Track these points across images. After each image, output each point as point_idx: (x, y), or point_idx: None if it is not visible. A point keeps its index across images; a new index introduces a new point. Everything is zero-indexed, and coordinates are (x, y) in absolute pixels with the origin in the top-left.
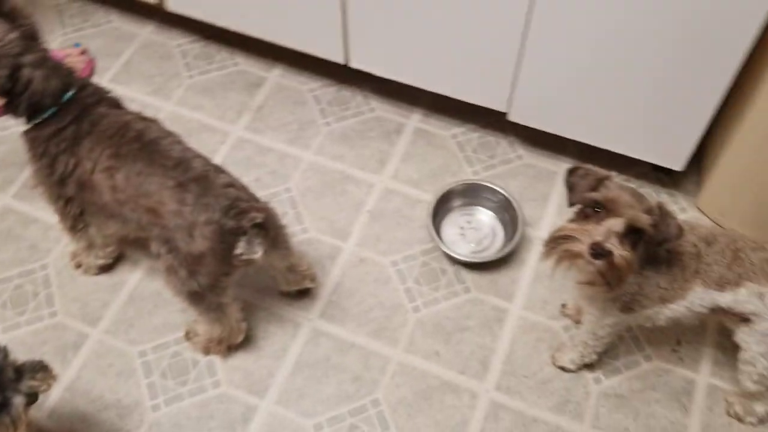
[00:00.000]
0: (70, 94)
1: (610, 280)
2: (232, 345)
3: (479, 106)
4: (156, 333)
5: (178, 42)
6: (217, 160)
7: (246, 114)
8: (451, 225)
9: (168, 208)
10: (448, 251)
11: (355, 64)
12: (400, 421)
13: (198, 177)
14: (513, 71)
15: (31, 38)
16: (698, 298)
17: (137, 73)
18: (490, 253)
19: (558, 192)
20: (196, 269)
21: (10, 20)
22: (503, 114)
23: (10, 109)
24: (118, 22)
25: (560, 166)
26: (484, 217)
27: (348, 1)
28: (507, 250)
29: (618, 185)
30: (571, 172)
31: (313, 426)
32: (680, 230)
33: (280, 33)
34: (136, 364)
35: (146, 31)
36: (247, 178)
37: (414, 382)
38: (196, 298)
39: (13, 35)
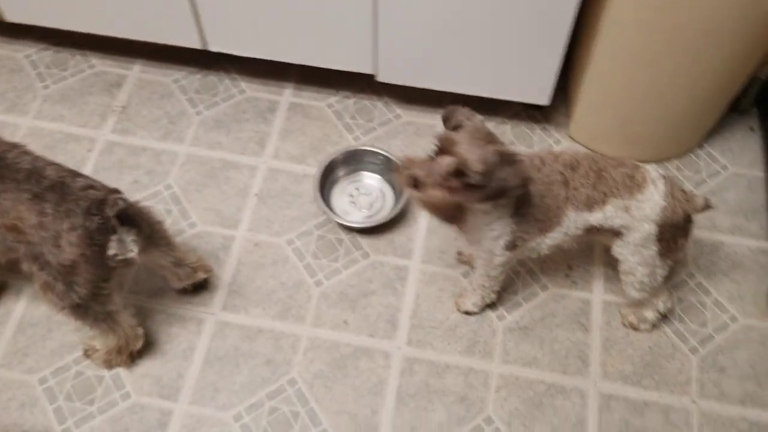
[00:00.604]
0: None
1: (437, 214)
2: (133, 353)
3: (349, 72)
4: (54, 357)
5: (27, 53)
6: (87, 169)
7: (110, 116)
8: (340, 194)
9: (29, 223)
10: (340, 221)
11: (214, 48)
12: (318, 395)
13: (54, 185)
14: (371, 32)
15: None
16: (572, 221)
17: None
18: (382, 216)
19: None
20: (72, 280)
21: None
22: (372, 76)
23: None
24: None
25: (438, 119)
26: (371, 181)
27: None
28: (397, 209)
29: (469, 128)
30: (445, 113)
31: (232, 417)
32: (524, 180)
33: (130, 28)
34: (38, 393)
35: None
36: (122, 182)
37: (327, 354)
38: (80, 311)
39: None
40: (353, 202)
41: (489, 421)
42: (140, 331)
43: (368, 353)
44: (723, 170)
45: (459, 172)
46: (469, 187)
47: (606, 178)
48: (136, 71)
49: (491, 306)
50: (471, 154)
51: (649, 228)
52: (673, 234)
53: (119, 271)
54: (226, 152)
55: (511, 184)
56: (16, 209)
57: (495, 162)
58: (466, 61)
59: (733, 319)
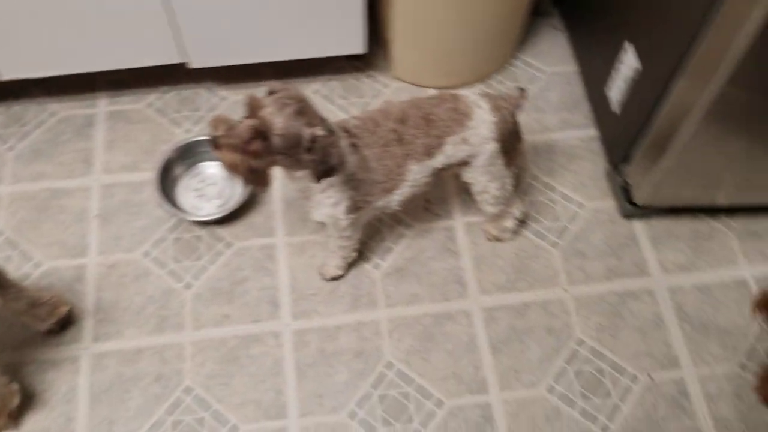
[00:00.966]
0: None
1: (238, 175)
2: (12, 413)
3: (160, 67)
4: None
5: None
6: None
7: None
8: (185, 190)
9: None
10: (192, 218)
11: (7, 75)
12: (218, 394)
13: None
14: (168, 20)
15: None
16: (416, 173)
17: None
18: (234, 201)
19: None
20: None
21: None
22: (185, 65)
23: None
24: None
25: (263, 90)
26: (213, 170)
27: None
28: (248, 191)
29: (281, 93)
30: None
31: None
32: (340, 160)
33: None
34: None
35: None
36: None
37: (216, 353)
38: None
39: None
40: (201, 196)
41: (390, 366)
42: (15, 386)
43: (258, 339)
44: (540, 73)
45: (261, 135)
46: (272, 151)
47: (435, 121)
48: None
49: (364, 258)
50: (274, 117)
51: (491, 147)
52: (511, 141)
53: None
54: (52, 180)
55: (330, 162)
56: None
57: (297, 126)
58: (273, 26)
59: (581, 206)
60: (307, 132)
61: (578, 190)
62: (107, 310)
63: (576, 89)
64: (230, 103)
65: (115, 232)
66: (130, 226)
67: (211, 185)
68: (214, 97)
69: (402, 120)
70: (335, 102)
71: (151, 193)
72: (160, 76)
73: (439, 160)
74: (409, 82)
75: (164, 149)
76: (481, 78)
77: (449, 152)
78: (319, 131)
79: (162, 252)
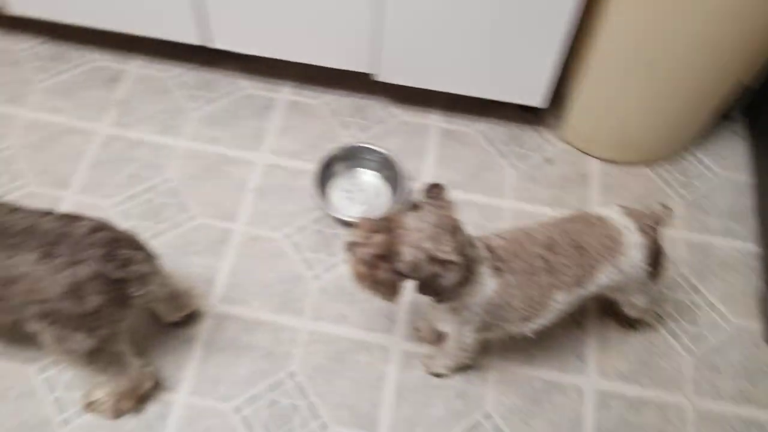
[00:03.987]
0: None
1: (361, 285)
2: (142, 395)
3: (346, 71)
4: None
5: (24, 46)
6: (86, 161)
7: (110, 110)
8: (337, 189)
9: (43, 283)
10: (337, 215)
11: (217, 45)
12: (318, 388)
13: (58, 237)
14: (371, 32)
15: None
16: (562, 303)
17: None
18: (379, 211)
19: (434, 144)
20: (95, 325)
21: None
22: (368, 75)
23: None
24: None
25: (432, 119)
26: (368, 177)
27: None
28: (394, 206)
29: (424, 213)
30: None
31: (232, 409)
32: (457, 285)
33: (131, 23)
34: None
35: None
36: (121, 175)
37: (326, 348)
38: (94, 356)
39: None
40: (350, 198)
41: (488, 416)
42: (150, 368)
43: (368, 348)
44: (711, 174)
45: (388, 257)
46: (397, 273)
47: (586, 249)
48: (135, 66)
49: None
50: (405, 243)
51: (642, 271)
52: (658, 260)
53: (135, 307)
54: (225, 147)
55: (446, 284)
56: (26, 272)
57: (427, 251)
58: (464, 61)
59: (725, 318)
60: (438, 257)
61: (726, 301)
62: (239, 276)
63: (746, 200)
64: (398, 122)
65: (266, 209)
66: (280, 207)
67: (361, 191)
68: (385, 112)
69: (550, 247)
70: (496, 146)
71: (305, 183)
72: (342, 80)
73: (589, 289)
74: (575, 147)
75: (331, 147)
76: (650, 161)
77: (601, 281)
78: (453, 257)
79: (302, 239)
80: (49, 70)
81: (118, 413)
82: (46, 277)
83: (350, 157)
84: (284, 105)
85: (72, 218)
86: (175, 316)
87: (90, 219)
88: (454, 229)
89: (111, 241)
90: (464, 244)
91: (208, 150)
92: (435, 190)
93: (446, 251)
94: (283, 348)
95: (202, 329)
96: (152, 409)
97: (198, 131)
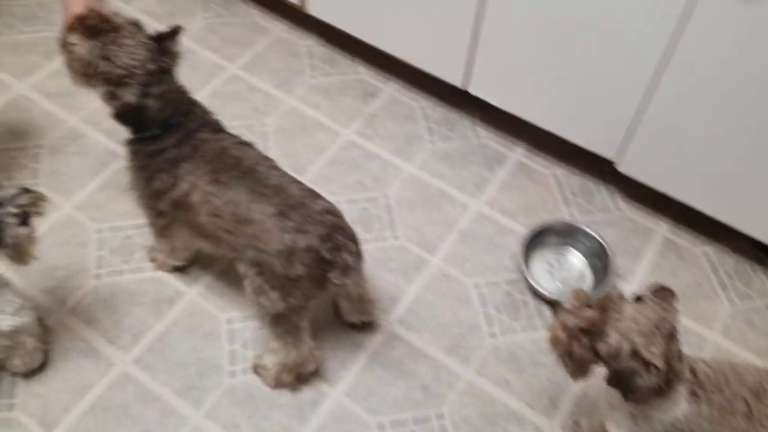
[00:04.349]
0: (174, 119)
1: (555, 352)
2: (303, 374)
3: (588, 152)
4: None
5: (307, 43)
6: (325, 156)
7: (358, 120)
8: (540, 260)
9: (268, 235)
10: (535, 285)
11: (473, 91)
12: None
13: (297, 204)
14: (628, 123)
15: (163, 72)
16: None
17: (266, 65)
18: None
19: (653, 250)
20: (291, 291)
21: (157, 54)
22: (609, 162)
23: (119, 118)
24: (256, 17)
25: (659, 225)
26: (575, 259)
27: (481, 30)
28: (594, 296)
29: (646, 307)
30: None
31: (376, 424)
32: (650, 391)
33: (409, 52)
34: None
35: (280, 29)
36: (350, 178)
37: (481, 405)
38: (279, 320)
39: (150, 66)
40: (550, 272)
41: None
42: (318, 355)
43: (521, 421)
44: None
45: (593, 333)
46: (596, 353)
47: None
48: (392, 88)
49: None
50: (615, 327)
51: None
52: None
53: (329, 292)
54: (446, 184)
55: (640, 384)
56: (259, 220)
57: (628, 351)
58: (715, 178)
59: None
60: (643, 355)
61: None
62: (421, 305)
63: None
64: (622, 216)
65: (465, 253)
66: (479, 256)
67: (564, 270)
68: (611, 202)
69: (757, 394)
70: (719, 275)
71: (510, 242)
72: (578, 157)
73: None
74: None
75: (547, 217)
76: None
77: None
78: (658, 362)
79: (490, 293)
80: (319, 70)
81: (277, 383)
82: (273, 232)
83: (564, 233)
84: (513, 163)
85: (313, 194)
86: (355, 319)
87: (327, 201)
88: (670, 335)
89: (335, 226)
90: (673, 355)
91: (430, 181)
92: (664, 293)
93: (654, 353)
94: (439, 387)
95: (374, 340)
96: (307, 392)
97: (427, 162)
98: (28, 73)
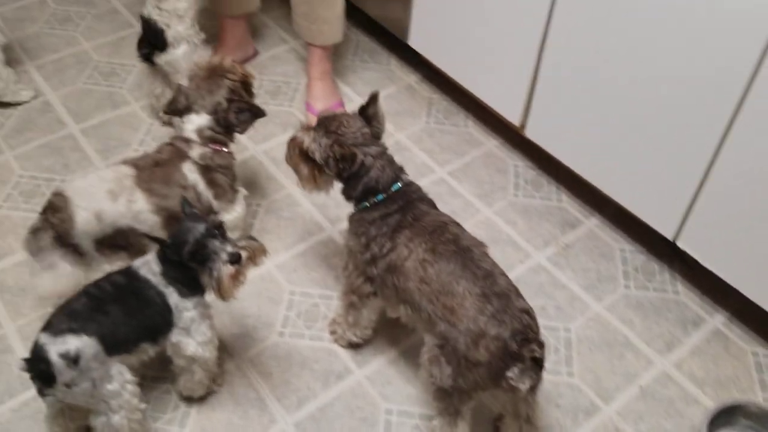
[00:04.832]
0: (398, 185)
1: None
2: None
3: None
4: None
5: (516, 162)
6: (512, 275)
7: (552, 246)
8: None
9: (465, 312)
10: None
11: (682, 245)
12: None
13: (501, 293)
14: None
15: (376, 137)
16: None
17: (472, 175)
18: None
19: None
20: (465, 373)
21: (368, 120)
22: None
23: (346, 191)
24: (472, 129)
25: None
26: None
27: (706, 186)
28: None
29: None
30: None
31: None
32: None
33: (620, 192)
34: None
35: (492, 144)
36: (533, 302)
37: None
38: (443, 395)
39: (365, 130)
40: None
41: None
42: None
43: None
44: None
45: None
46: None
47: None
48: (593, 223)
49: None
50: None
51: None
52: None
53: (498, 391)
54: (633, 333)
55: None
56: (463, 296)
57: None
58: None
59: None
60: None
61: None
62: None
63: None
64: None
65: (642, 412)
66: (656, 419)
67: None
68: None
69: None
70: (763, 374)
71: (692, 412)
72: None
73: None
74: None
75: (740, 397)
76: None
77: None
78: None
79: None
80: (522, 189)
81: None
82: (470, 311)
83: (758, 418)
84: (711, 329)
85: (518, 292)
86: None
87: (527, 304)
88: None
89: (529, 327)
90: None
91: (617, 327)
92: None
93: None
94: None
95: None
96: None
97: (617, 306)
98: (264, 139)
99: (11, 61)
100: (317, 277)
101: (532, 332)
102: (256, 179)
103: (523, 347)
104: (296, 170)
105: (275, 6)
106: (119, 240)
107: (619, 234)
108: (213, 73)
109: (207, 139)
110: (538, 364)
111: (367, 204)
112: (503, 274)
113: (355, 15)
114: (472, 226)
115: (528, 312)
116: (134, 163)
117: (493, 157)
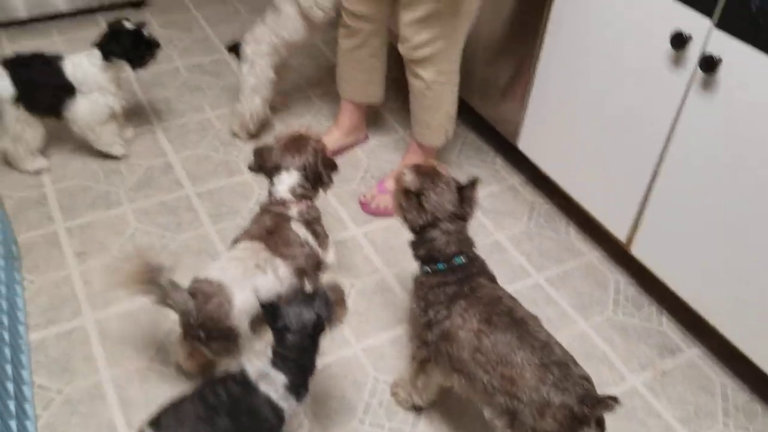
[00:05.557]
0: (461, 260)
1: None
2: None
3: None
4: None
5: (617, 278)
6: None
7: (649, 371)
8: None
9: (526, 383)
10: None
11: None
12: None
13: (559, 362)
14: None
15: (461, 218)
16: None
17: (570, 284)
18: None
19: None
20: None
21: (460, 199)
22: None
23: (414, 246)
24: (574, 237)
25: None
26: None
27: None
28: None
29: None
30: None
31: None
32: None
33: (728, 324)
34: None
35: (594, 255)
36: (627, 428)
37: None
38: None
39: (450, 207)
40: None
41: None
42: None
43: None
44: None
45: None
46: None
47: None
48: (693, 352)
49: None
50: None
51: None
52: None
53: None
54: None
55: None
56: (521, 367)
57: None
58: None
59: None
60: None
61: None
62: None
63: None
64: None
65: None
66: None
67: None
68: None
69: None
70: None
71: None
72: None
73: None
74: None
75: None
76: None
77: None
78: None
79: None
80: (622, 307)
81: None
82: (531, 381)
83: None
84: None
85: (575, 361)
86: None
87: (585, 371)
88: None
89: (591, 394)
90: None
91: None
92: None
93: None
94: None
95: None
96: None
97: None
98: (366, 222)
99: (136, 118)
100: (404, 368)
101: (595, 401)
102: (352, 259)
103: (589, 410)
104: (393, 197)
105: (391, 98)
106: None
107: (722, 368)
108: (297, 139)
109: (299, 196)
110: (601, 425)
111: (429, 270)
112: (558, 344)
113: (465, 112)
114: (566, 338)
115: (587, 379)
116: (254, 237)
117: (593, 269)
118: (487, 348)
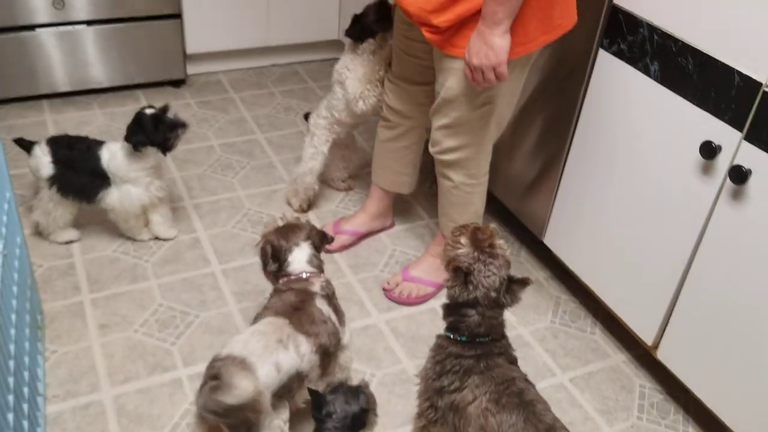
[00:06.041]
0: (484, 340)
1: None
2: None
3: None
4: None
5: (644, 383)
6: None
7: None
8: None
9: None
10: None
11: None
12: None
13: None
14: None
15: (499, 305)
16: None
17: (595, 387)
18: None
19: None
20: None
21: (507, 288)
22: None
23: (445, 307)
24: (599, 338)
25: None
26: None
27: None
28: None
29: None
30: None
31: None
32: None
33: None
34: None
35: (619, 358)
36: None
37: None
38: None
39: (493, 294)
40: None
41: None
42: None
43: None
44: None
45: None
46: None
47: None
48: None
49: None
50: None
51: None
52: None
53: None
54: None
55: None
56: None
57: None
58: None
59: None
60: None
61: None
62: None
63: None
64: None
65: None
66: None
67: None
68: None
69: None
70: None
71: None
72: None
73: None
74: None
75: None
76: None
77: None
78: None
79: None
80: (648, 414)
81: None
82: None
83: None
84: None
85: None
86: None
87: None
88: None
89: None
90: None
91: None
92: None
93: None
94: None
95: None
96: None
97: None
98: (389, 309)
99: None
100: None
101: None
102: (373, 348)
103: None
104: (442, 259)
105: (418, 188)
106: (285, 389)
107: None
108: (285, 226)
109: (317, 267)
110: None
111: (451, 336)
112: (564, 427)
113: (490, 201)
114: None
115: None
116: (278, 313)
117: (619, 372)
118: (492, 428)
